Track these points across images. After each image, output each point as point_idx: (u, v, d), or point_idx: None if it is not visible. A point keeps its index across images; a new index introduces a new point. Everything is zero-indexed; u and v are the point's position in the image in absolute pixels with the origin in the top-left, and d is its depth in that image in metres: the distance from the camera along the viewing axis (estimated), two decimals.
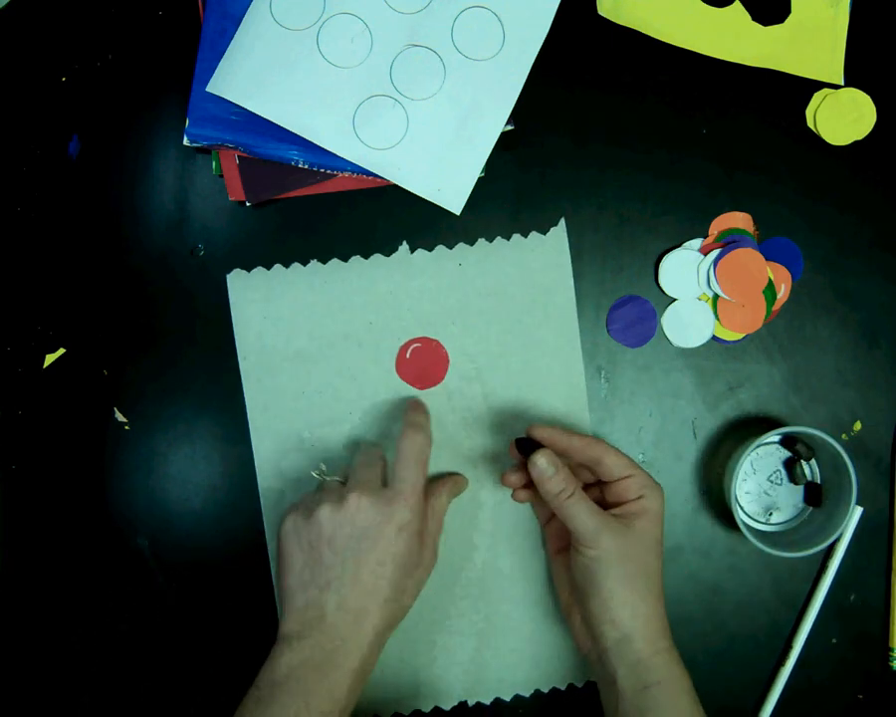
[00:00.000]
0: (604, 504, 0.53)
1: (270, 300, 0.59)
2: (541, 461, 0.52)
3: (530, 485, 0.55)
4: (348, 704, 0.49)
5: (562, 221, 0.60)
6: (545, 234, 0.60)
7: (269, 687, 0.48)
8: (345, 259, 0.60)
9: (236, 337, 0.59)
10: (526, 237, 0.60)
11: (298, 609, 0.50)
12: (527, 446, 0.54)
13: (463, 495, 0.59)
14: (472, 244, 0.60)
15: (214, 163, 0.59)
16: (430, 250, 0.60)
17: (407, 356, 0.59)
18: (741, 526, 0.56)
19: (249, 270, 0.59)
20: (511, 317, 0.59)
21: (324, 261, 0.60)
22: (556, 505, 0.52)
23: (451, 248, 0.59)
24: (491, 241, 0.60)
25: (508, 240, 0.60)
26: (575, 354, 0.59)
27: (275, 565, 0.57)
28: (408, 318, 0.59)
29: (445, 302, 0.60)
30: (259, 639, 0.59)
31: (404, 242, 0.60)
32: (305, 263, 0.59)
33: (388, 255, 0.60)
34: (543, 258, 0.60)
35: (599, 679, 0.52)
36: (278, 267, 0.59)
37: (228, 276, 0.59)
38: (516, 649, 0.59)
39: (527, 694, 0.60)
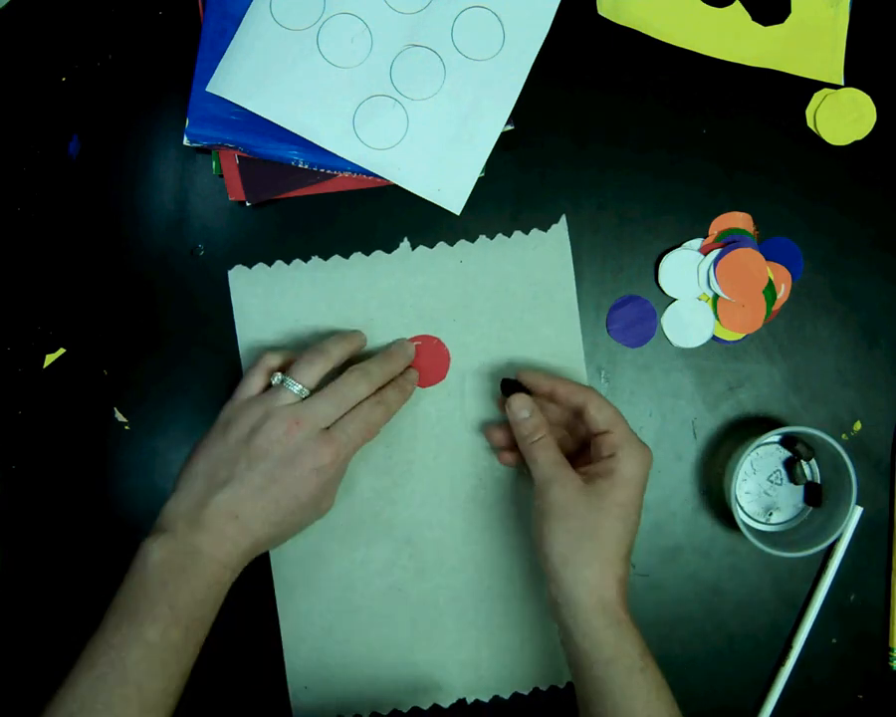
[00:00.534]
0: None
1: (271, 297, 0.59)
2: (515, 403, 0.53)
3: (514, 447, 0.55)
4: (211, 610, 0.49)
5: (563, 218, 0.60)
6: (546, 231, 0.60)
7: (135, 591, 0.48)
8: (347, 256, 0.60)
9: (238, 334, 0.59)
10: (527, 234, 0.60)
11: (188, 492, 0.50)
12: (511, 388, 0.55)
13: (462, 494, 0.59)
14: (473, 241, 0.60)
15: (214, 163, 0.59)
16: (431, 247, 0.60)
17: None
18: (741, 526, 0.56)
19: (250, 267, 0.59)
20: (512, 314, 0.59)
21: (325, 257, 0.59)
22: (523, 449, 0.52)
23: (452, 245, 0.60)
24: (492, 238, 0.60)
25: (509, 237, 0.60)
26: (577, 350, 0.59)
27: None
28: (410, 315, 0.59)
29: (446, 299, 0.60)
30: (258, 637, 0.59)
31: (405, 238, 0.60)
32: (306, 259, 0.59)
33: (390, 252, 0.60)
34: (544, 255, 0.60)
35: (564, 652, 0.51)
36: (279, 263, 0.59)
37: (230, 272, 0.59)
38: (515, 647, 0.59)
39: (525, 692, 0.60)
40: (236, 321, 0.59)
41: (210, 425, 0.52)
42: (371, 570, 0.59)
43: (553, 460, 0.51)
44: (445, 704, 0.59)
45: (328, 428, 0.51)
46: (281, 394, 0.51)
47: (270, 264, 0.60)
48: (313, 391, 0.52)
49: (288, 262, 0.59)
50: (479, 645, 0.59)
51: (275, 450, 0.50)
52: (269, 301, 0.59)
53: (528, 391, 0.55)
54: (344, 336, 0.56)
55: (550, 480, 0.50)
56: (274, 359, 0.54)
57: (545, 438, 0.52)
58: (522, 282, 0.59)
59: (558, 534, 0.49)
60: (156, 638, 0.46)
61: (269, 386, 0.53)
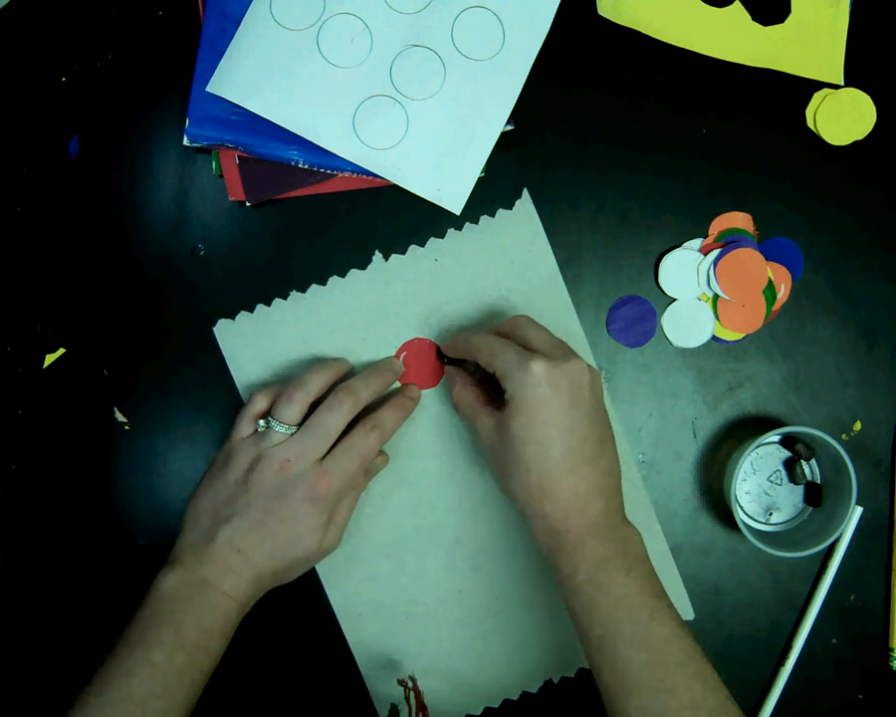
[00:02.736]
0: None
1: (259, 342, 0.59)
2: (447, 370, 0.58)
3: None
4: (218, 641, 0.50)
5: (525, 192, 0.59)
6: (510, 209, 0.59)
7: (146, 619, 0.50)
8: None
9: (235, 380, 0.59)
10: (493, 216, 0.59)
11: (195, 528, 0.52)
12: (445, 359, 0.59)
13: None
14: (443, 236, 0.59)
15: (214, 163, 0.59)
16: (403, 253, 0.59)
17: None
18: (741, 526, 0.56)
19: (233, 316, 0.59)
20: (498, 297, 0.59)
21: (303, 288, 0.59)
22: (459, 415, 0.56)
23: (423, 245, 0.59)
24: (460, 229, 0.60)
25: (476, 224, 0.59)
26: (570, 316, 0.59)
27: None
28: (398, 324, 0.59)
29: (430, 300, 0.59)
30: (259, 636, 0.59)
31: (377, 251, 0.59)
32: (284, 296, 0.59)
33: (388, 255, 0.60)
34: (515, 232, 0.59)
35: None
36: (260, 307, 0.59)
37: (215, 328, 0.59)
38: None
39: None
40: (230, 369, 0.59)
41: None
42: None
43: (468, 411, 0.54)
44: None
45: (322, 459, 0.53)
46: (270, 436, 0.53)
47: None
48: (301, 423, 0.53)
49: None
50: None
51: (270, 487, 0.52)
52: (258, 347, 0.59)
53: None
54: (324, 364, 0.56)
55: (470, 430, 0.54)
56: (261, 402, 0.55)
57: (460, 397, 0.55)
58: (500, 263, 0.59)
59: (493, 473, 0.54)
60: (161, 661, 0.48)
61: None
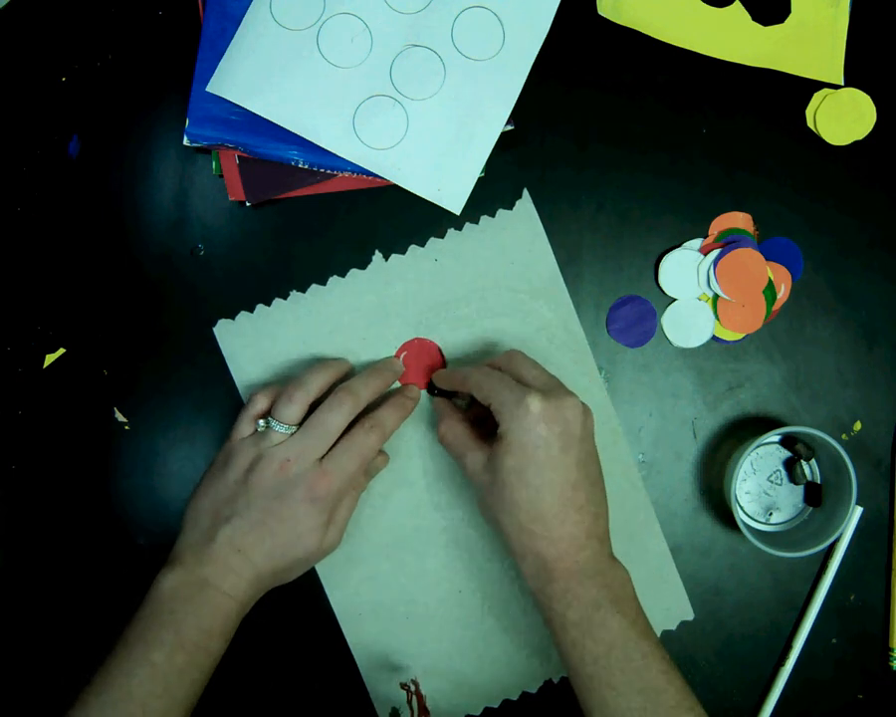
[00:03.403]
0: None
1: (259, 342, 0.59)
2: (433, 404, 0.58)
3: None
4: (218, 642, 0.50)
5: (526, 192, 0.59)
6: (511, 209, 0.59)
7: (146, 619, 0.50)
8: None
9: (235, 380, 0.59)
10: (493, 217, 0.59)
11: (195, 528, 0.52)
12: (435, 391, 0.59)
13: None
14: (443, 236, 0.59)
15: (214, 163, 0.59)
16: (403, 253, 0.59)
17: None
18: (741, 526, 0.56)
19: (233, 316, 0.59)
20: (497, 297, 0.59)
21: (303, 288, 0.59)
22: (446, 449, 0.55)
23: (423, 245, 0.59)
24: (460, 229, 0.60)
25: (476, 224, 0.59)
26: (570, 317, 0.59)
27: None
28: (398, 324, 0.59)
29: (429, 300, 0.59)
30: (259, 636, 0.59)
31: (377, 251, 0.59)
32: (285, 296, 0.59)
33: (388, 255, 0.60)
34: (515, 232, 0.59)
35: None
36: (261, 307, 0.59)
37: (215, 328, 0.59)
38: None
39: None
40: (230, 369, 0.59)
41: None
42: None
43: (457, 446, 0.53)
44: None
45: (322, 459, 0.52)
46: (270, 436, 0.53)
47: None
48: (301, 423, 0.53)
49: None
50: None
51: (270, 487, 0.52)
52: (258, 347, 0.59)
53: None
54: (325, 364, 0.56)
55: (461, 466, 0.53)
56: (261, 403, 0.54)
57: (448, 431, 0.54)
58: (500, 263, 0.59)
59: (481, 506, 0.53)
60: (161, 661, 0.48)
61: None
